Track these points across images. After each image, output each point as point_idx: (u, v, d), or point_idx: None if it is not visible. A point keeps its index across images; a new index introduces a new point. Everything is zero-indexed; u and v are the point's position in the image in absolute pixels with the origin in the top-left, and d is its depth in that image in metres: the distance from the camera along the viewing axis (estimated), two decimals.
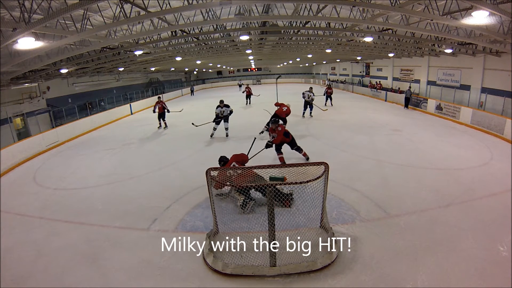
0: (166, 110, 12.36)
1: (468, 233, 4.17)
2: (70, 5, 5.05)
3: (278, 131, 6.84)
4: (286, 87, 28.43)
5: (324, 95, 16.74)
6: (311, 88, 13.17)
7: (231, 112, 10.03)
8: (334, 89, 16.93)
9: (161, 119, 12.46)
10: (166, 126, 12.56)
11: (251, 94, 18.97)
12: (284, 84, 32.69)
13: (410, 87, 16.42)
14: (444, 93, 14.32)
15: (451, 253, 3.75)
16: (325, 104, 15.97)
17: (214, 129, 10.15)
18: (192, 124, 10.62)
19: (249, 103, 18.86)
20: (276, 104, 10.46)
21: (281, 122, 10.27)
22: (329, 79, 32.31)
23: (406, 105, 15.83)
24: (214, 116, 10.07)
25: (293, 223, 4.29)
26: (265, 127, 10.27)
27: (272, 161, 7.26)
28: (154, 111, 12.23)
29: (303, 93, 12.85)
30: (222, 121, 10.04)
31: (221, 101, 10.15)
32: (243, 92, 19.29)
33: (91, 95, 18.34)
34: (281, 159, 6.97)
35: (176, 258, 3.89)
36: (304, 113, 13.22)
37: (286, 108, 10.19)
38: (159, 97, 12.71)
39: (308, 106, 13.05)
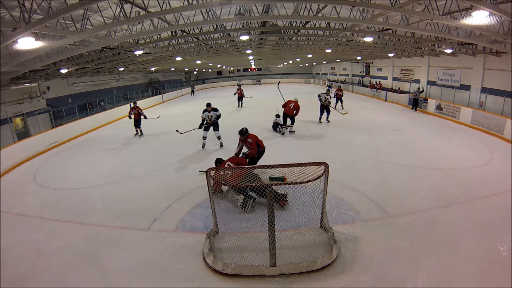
0: (142, 116, 11.37)
1: (468, 233, 4.17)
2: (70, 5, 5.05)
3: (249, 144, 6.12)
4: (287, 87, 28.41)
5: (334, 97, 15.21)
6: (328, 90, 11.98)
7: (218, 116, 8.71)
8: (334, 89, 16.37)
9: (136, 126, 11.43)
10: (141, 133, 11.48)
11: (243, 96, 18.11)
12: (284, 84, 32.63)
13: (418, 88, 15.38)
14: (444, 93, 14.31)
15: (451, 253, 3.75)
16: (335, 107, 14.32)
17: (204, 138, 8.88)
18: (177, 131, 9.64)
19: (241, 105, 17.94)
20: (283, 105, 10.14)
21: (283, 121, 10.22)
22: (329, 79, 32.29)
23: (414, 107, 15.01)
24: (200, 122, 8.72)
25: (293, 223, 4.31)
26: (284, 127, 10.14)
27: (272, 161, 7.24)
28: (130, 117, 11.39)
29: (319, 96, 11.51)
30: (212, 128, 8.76)
31: (208, 104, 8.67)
32: (234, 94, 18.30)
33: (91, 95, 18.35)
34: None
35: (176, 258, 3.89)
36: (320, 118, 11.96)
37: (293, 104, 9.86)
38: (134, 103, 11.75)
39: (325, 110, 11.71)
